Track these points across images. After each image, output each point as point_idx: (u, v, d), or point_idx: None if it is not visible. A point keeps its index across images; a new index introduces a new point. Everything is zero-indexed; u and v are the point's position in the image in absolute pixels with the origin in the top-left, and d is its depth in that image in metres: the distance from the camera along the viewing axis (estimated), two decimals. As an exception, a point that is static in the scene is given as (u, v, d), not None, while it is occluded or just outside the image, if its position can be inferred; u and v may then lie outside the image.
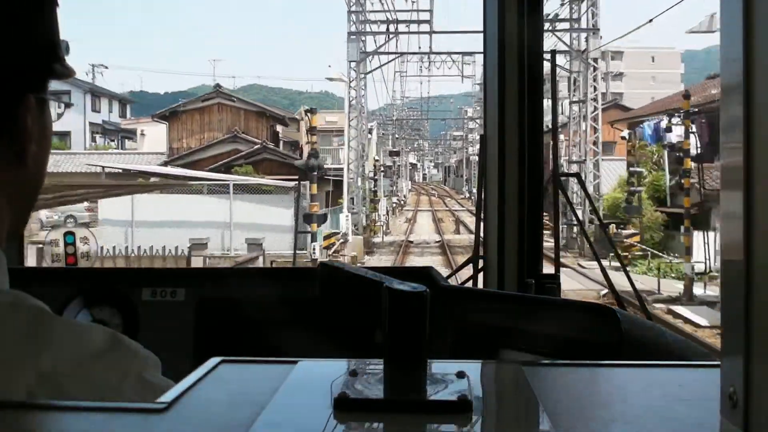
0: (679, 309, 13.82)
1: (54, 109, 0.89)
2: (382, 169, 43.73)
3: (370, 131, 44.43)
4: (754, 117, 0.49)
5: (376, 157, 40.79)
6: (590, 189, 24.32)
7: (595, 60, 25.65)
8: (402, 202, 56.68)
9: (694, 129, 17.43)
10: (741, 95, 0.50)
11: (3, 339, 0.72)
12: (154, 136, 42.68)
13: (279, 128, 40.04)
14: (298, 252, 14.93)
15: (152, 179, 26.23)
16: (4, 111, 0.79)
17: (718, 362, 0.55)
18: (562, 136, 25.54)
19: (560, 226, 2.07)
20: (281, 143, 39.38)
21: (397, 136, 67.40)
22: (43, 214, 26.17)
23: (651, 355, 1.29)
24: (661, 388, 0.69)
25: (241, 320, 1.78)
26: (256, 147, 34.57)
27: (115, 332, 0.80)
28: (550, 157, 1.97)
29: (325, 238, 20.26)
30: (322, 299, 0.76)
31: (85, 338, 0.77)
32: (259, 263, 18.50)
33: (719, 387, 0.54)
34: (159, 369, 0.80)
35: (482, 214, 2.02)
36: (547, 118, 2.30)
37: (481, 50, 2.04)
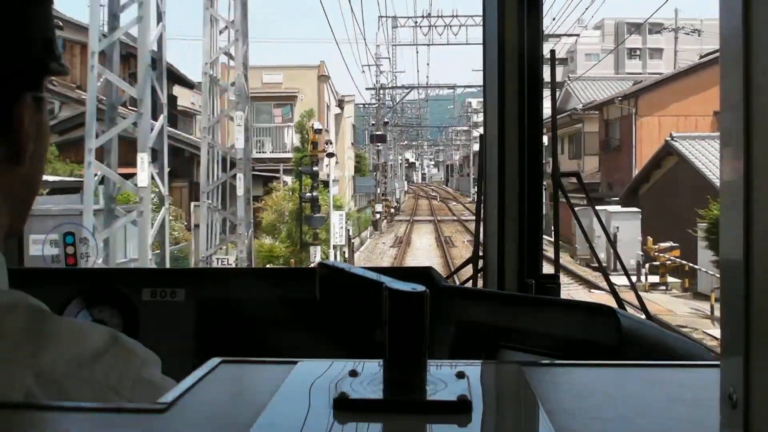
0: None
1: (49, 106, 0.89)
2: (334, 155, 21.39)
3: (340, 105, 30.65)
4: (754, 114, 0.49)
5: (321, 127, 20.16)
6: None
7: None
8: (392, 211, 43.50)
9: None
10: (740, 88, 0.50)
11: (2, 339, 0.72)
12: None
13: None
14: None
15: None
16: (0, 110, 0.79)
17: (718, 362, 0.55)
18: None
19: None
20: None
21: (387, 120, 46.50)
22: None
23: (651, 355, 1.30)
24: (661, 388, 0.69)
25: (241, 320, 1.78)
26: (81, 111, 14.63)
27: (115, 331, 0.80)
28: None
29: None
30: (322, 299, 0.76)
31: (84, 338, 0.77)
32: None
33: (719, 387, 0.54)
34: (159, 367, 0.80)
35: (482, 214, 2.02)
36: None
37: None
